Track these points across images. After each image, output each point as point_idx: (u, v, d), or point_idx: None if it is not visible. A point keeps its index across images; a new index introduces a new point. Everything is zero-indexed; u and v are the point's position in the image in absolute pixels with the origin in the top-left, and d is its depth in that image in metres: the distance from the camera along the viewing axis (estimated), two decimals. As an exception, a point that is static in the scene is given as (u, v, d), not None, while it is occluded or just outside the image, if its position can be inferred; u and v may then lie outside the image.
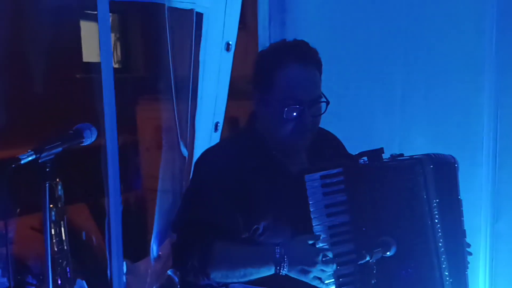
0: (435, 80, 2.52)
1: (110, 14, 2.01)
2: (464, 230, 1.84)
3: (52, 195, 1.60)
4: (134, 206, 5.28)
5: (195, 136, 2.42)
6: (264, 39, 2.63)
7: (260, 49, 2.27)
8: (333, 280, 1.74)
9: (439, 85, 2.52)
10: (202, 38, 2.37)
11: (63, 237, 1.77)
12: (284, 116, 1.78)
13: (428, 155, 1.79)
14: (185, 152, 2.41)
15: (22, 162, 1.49)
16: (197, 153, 2.38)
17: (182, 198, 2.07)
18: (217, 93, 2.49)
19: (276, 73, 1.79)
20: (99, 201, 3.18)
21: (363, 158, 1.81)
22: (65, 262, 1.78)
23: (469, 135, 2.51)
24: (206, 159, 1.93)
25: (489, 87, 2.47)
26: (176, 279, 2.20)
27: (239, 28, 2.48)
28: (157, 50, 2.31)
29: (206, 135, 2.48)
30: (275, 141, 1.87)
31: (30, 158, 1.50)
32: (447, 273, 1.73)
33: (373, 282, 1.67)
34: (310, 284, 1.74)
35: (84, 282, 2.14)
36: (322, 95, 1.83)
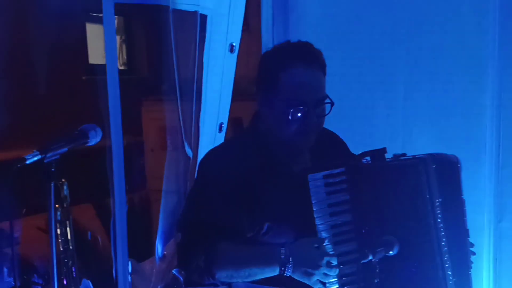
0: (438, 80, 2.51)
1: (115, 16, 2.02)
2: (467, 229, 1.83)
3: (57, 195, 1.61)
4: (139, 206, 5.29)
5: (199, 136, 2.43)
6: (268, 40, 2.64)
7: (263, 50, 2.27)
8: (336, 279, 1.74)
9: (441, 85, 2.52)
10: (206, 39, 2.38)
11: (69, 237, 1.78)
12: (289, 117, 1.78)
13: (430, 154, 1.78)
14: (189, 152, 2.42)
15: (27, 162, 1.49)
16: (201, 154, 2.39)
17: (187, 198, 2.08)
18: (221, 94, 2.50)
19: (280, 74, 1.79)
20: (104, 201, 3.19)
21: (365, 158, 1.81)
22: (70, 262, 1.79)
23: (471, 135, 2.50)
24: (210, 159, 1.94)
25: (492, 86, 2.46)
26: (181, 279, 2.20)
27: (242, 29, 2.49)
28: (161, 51, 2.32)
29: (210, 135, 2.49)
30: (279, 141, 1.87)
31: (35, 158, 1.51)
32: (450, 273, 1.72)
33: (376, 281, 1.68)
34: (312, 285, 1.75)
35: (89, 281, 2.14)
36: (327, 96, 1.84)
